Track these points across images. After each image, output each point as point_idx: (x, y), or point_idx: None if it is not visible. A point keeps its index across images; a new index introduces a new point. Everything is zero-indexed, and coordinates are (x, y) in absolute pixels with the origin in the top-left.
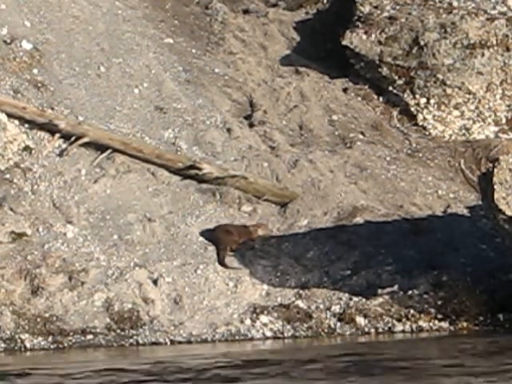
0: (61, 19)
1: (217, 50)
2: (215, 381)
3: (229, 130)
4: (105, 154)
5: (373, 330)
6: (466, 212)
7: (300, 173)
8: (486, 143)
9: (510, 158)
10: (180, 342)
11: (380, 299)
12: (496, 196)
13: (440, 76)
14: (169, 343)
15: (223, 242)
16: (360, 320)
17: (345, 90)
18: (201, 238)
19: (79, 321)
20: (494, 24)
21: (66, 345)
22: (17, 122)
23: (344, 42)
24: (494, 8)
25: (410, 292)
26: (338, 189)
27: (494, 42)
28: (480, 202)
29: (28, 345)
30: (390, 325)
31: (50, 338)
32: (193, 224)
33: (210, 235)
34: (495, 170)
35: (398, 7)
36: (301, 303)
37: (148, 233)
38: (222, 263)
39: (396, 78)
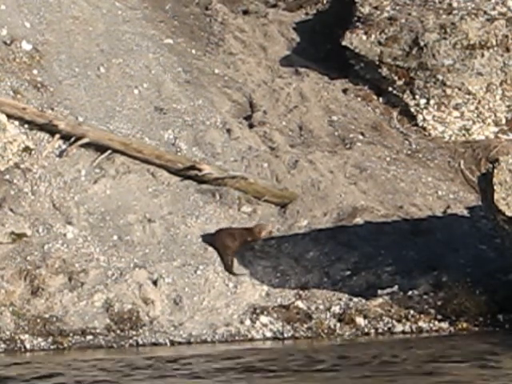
0: (60, 20)
1: (217, 50)
2: None
3: (229, 131)
4: (105, 155)
5: (373, 331)
6: (465, 213)
7: (300, 173)
8: (485, 144)
9: (509, 158)
10: (180, 343)
11: (380, 300)
12: (496, 197)
13: (440, 77)
14: (169, 344)
15: (228, 248)
16: (360, 321)
17: (345, 91)
18: (201, 239)
19: (79, 321)
20: (494, 25)
21: (65, 345)
22: (17, 122)
23: (344, 43)
24: (494, 9)
25: (409, 293)
26: (338, 189)
27: (494, 43)
28: (480, 203)
29: (28, 345)
30: (389, 325)
31: (50, 339)
32: (193, 225)
33: (212, 240)
34: (495, 171)
35: (397, 8)
36: (301, 304)
37: (148, 233)
38: (229, 270)
39: (396, 78)
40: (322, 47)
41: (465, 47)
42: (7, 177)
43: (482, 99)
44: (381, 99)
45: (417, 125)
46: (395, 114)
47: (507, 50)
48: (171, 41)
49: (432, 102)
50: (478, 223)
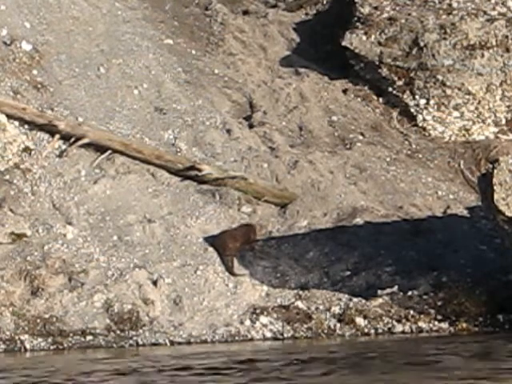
0: (60, 20)
1: (216, 50)
2: None
3: (228, 131)
4: (105, 155)
5: (372, 331)
6: (465, 213)
7: (300, 174)
8: (485, 144)
9: (509, 158)
10: (180, 343)
11: (380, 300)
12: (496, 197)
13: (440, 77)
14: (168, 344)
15: (229, 249)
16: (360, 321)
17: (344, 91)
18: (200, 239)
19: (79, 322)
20: (494, 25)
21: (65, 346)
22: (16, 122)
23: (344, 43)
24: (494, 9)
25: (409, 293)
26: (338, 190)
27: (494, 43)
28: (480, 203)
29: (28, 346)
30: (389, 326)
31: (50, 339)
32: (193, 225)
33: (213, 242)
34: (495, 171)
35: (397, 8)
36: (300, 304)
37: (148, 234)
38: (231, 271)
39: (396, 78)
40: (321, 47)
41: (465, 47)
42: (7, 177)
43: (481, 99)
44: (381, 99)
45: (417, 125)
46: (395, 114)
47: (507, 50)
48: (171, 41)
49: (432, 102)
50: (478, 223)
